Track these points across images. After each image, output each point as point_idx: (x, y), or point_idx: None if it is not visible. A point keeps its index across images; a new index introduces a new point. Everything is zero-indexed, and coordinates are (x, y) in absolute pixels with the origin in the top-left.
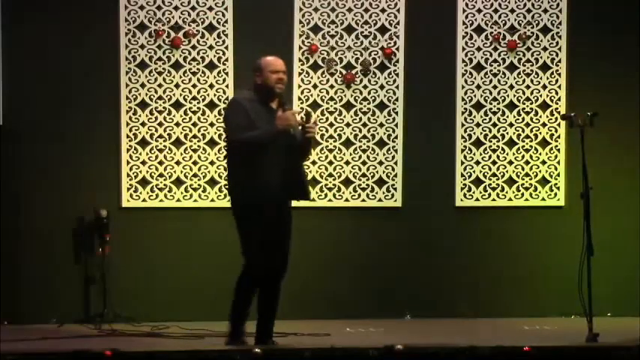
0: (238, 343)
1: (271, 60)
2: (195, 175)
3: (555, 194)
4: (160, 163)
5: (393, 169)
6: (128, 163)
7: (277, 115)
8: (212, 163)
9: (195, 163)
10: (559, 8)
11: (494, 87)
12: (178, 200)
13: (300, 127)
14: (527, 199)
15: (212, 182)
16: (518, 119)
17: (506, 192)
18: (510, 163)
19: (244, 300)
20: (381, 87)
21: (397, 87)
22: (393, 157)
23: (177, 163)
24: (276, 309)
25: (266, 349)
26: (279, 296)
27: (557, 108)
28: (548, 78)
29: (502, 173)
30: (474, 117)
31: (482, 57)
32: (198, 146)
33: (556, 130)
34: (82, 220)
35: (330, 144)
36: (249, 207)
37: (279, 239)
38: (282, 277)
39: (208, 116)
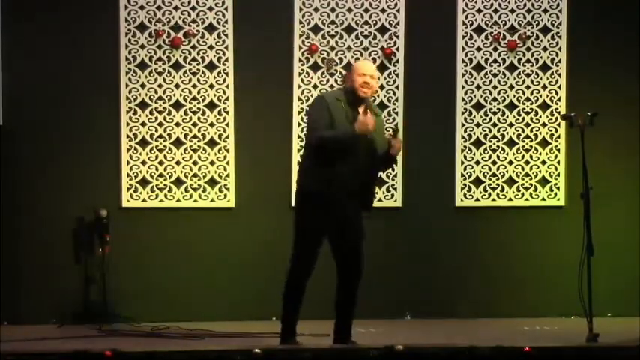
0: (290, 343)
1: (361, 63)
2: (195, 176)
3: (555, 194)
4: (160, 163)
5: (393, 170)
6: (128, 163)
7: (358, 119)
8: (212, 163)
9: (195, 163)
10: (559, 8)
11: (495, 87)
12: (178, 200)
13: (387, 141)
14: (527, 199)
15: (212, 182)
16: (518, 119)
17: (507, 192)
18: (510, 163)
19: (288, 299)
20: (381, 87)
21: (397, 87)
22: None
23: (177, 163)
24: (352, 310)
25: (266, 349)
26: (356, 298)
27: (557, 108)
28: (548, 78)
29: (502, 173)
30: (474, 117)
31: (482, 57)
32: (199, 146)
33: (556, 130)
34: (82, 220)
35: None
36: (306, 195)
37: (339, 239)
38: (355, 277)
39: (208, 116)
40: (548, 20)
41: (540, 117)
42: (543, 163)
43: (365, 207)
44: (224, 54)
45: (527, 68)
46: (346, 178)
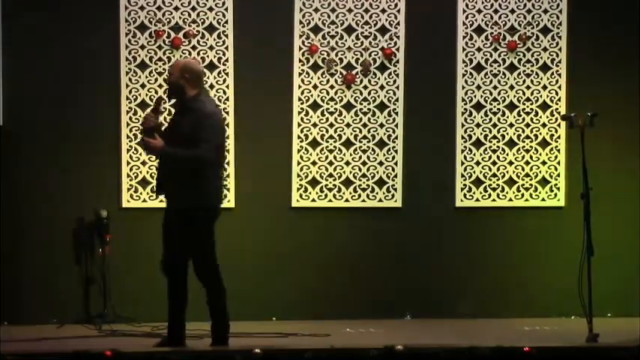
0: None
1: None
2: None
3: (555, 195)
4: None
5: (393, 170)
6: (128, 163)
7: None
8: None
9: None
10: (559, 9)
11: (495, 87)
12: None
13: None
14: (527, 200)
15: None
16: (518, 120)
17: (507, 192)
18: (510, 163)
19: None
20: (381, 87)
21: (397, 87)
22: (393, 157)
23: None
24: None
25: (266, 349)
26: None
27: (557, 108)
28: (548, 78)
29: (502, 174)
30: (474, 117)
31: (482, 57)
32: None
33: (556, 131)
34: (82, 220)
35: (331, 144)
36: None
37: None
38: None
39: None
40: (549, 20)
41: (540, 117)
42: (543, 163)
43: (173, 203)
44: (224, 54)
45: (528, 68)
46: (160, 177)
